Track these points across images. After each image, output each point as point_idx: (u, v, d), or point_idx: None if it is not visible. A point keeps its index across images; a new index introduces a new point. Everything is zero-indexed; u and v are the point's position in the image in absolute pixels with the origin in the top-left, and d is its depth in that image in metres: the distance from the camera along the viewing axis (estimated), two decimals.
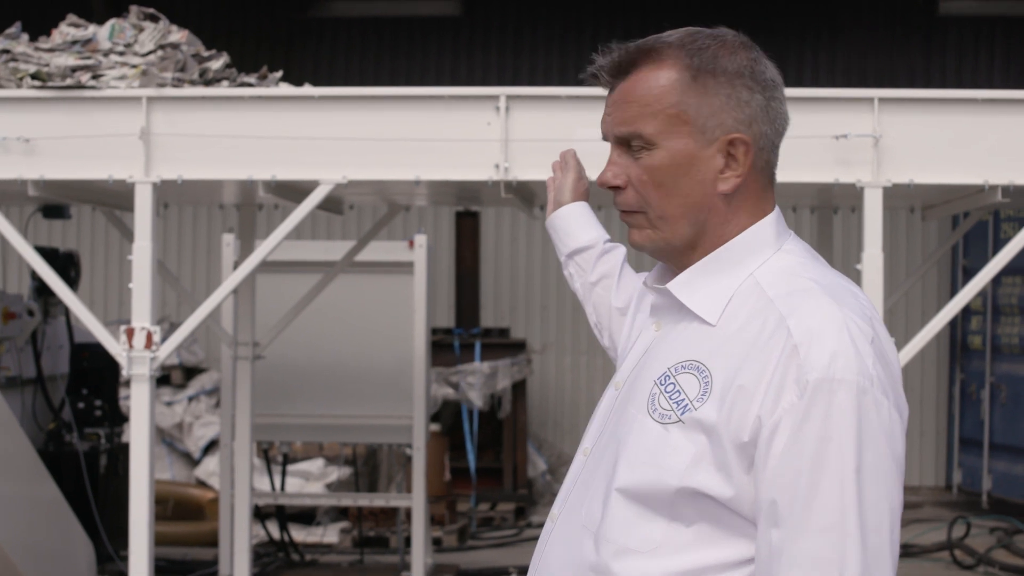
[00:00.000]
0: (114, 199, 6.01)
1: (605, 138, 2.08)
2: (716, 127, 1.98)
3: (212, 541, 8.44)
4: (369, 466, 9.84)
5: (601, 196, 5.03)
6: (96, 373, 7.91)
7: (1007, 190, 5.10)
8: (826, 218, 6.83)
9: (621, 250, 2.70)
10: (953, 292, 10.79)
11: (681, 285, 2.01)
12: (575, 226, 2.72)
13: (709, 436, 1.88)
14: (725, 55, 1.99)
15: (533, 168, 5.08)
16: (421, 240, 7.68)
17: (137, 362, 5.08)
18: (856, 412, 1.83)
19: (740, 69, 1.99)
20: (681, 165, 1.99)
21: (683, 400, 1.92)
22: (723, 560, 1.90)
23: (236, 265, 7.04)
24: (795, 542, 1.82)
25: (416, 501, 7.62)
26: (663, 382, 1.96)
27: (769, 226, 2.03)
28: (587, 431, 2.13)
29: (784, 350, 1.86)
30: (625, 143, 2.03)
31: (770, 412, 1.85)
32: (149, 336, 5.07)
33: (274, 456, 8.95)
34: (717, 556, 1.90)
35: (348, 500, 8.55)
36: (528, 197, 5.83)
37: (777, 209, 2.06)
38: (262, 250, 5.36)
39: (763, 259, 2.00)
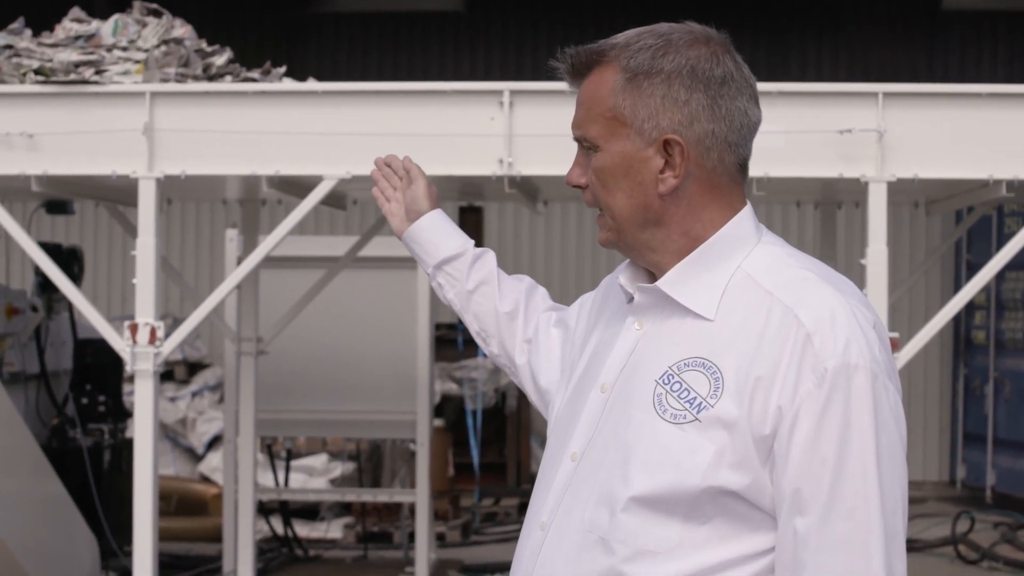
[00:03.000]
0: (117, 195, 6.01)
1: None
2: (653, 129, 1.98)
3: (216, 537, 8.44)
4: (373, 461, 9.84)
5: None
6: (99, 369, 7.91)
7: (1012, 184, 5.09)
8: (830, 213, 6.82)
9: (491, 255, 2.62)
10: (957, 287, 10.76)
11: (672, 283, 2.00)
12: (440, 235, 2.58)
13: (730, 432, 1.88)
14: (665, 54, 1.98)
15: (537, 163, 5.08)
16: None
17: (141, 358, 5.08)
18: (872, 397, 1.87)
19: (678, 68, 1.98)
20: (620, 166, 2.00)
21: (695, 399, 1.91)
22: (738, 554, 1.91)
23: (239, 261, 7.04)
24: (823, 528, 1.85)
25: (420, 496, 7.62)
26: (667, 381, 1.95)
27: (747, 220, 2.03)
28: (570, 435, 2.06)
29: (797, 339, 1.88)
30: (582, 144, 2.06)
31: (790, 402, 1.87)
32: (153, 332, 5.07)
33: (278, 451, 8.96)
34: (733, 551, 1.91)
35: (352, 495, 8.56)
36: (532, 192, 5.83)
37: (749, 203, 2.07)
38: (265, 246, 5.36)
39: (746, 252, 2.00)
